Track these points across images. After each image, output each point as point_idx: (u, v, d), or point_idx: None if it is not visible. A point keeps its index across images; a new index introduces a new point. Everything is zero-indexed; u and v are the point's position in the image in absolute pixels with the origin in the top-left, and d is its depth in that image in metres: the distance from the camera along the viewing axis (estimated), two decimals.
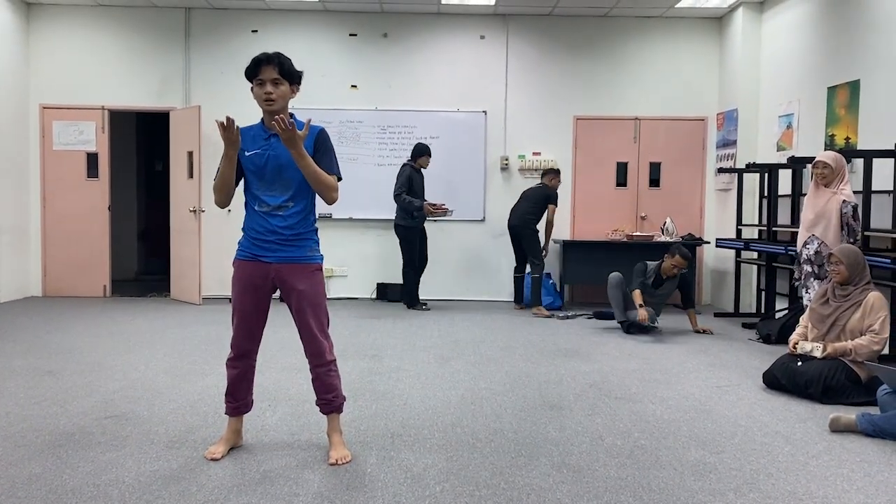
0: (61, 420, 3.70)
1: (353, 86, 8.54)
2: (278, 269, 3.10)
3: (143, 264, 10.68)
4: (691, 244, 7.74)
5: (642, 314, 6.18)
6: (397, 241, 7.81)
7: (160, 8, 8.40)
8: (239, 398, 3.26)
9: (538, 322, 7.10)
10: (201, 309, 7.65)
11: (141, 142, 10.69)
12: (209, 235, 8.13)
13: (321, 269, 3.20)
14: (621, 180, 8.67)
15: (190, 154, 8.04)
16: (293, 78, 3.08)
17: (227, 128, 2.90)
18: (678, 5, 8.05)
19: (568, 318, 7.31)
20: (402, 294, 8.01)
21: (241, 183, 3.18)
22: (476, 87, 8.56)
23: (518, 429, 3.67)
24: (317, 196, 3.13)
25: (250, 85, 3.09)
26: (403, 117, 8.49)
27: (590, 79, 8.59)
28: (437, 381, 4.64)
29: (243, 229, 3.17)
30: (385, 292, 8.45)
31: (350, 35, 8.52)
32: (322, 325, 3.16)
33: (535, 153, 8.58)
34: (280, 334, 5.76)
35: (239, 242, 3.18)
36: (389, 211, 7.76)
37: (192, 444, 3.37)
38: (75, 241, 8.47)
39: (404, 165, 7.75)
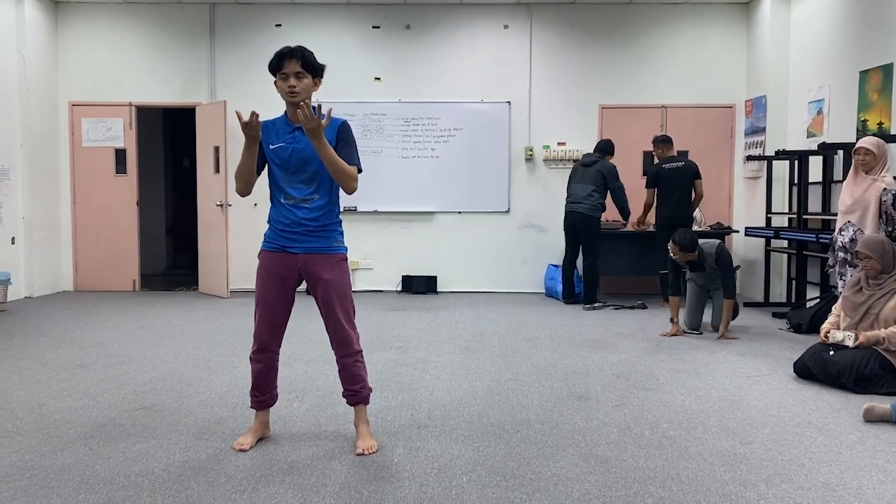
0: (93, 412, 3.76)
1: (376, 78, 8.54)
2: (305, 259, 3.12)
3: (172, 259, 10.82)
4: (720, 233, 7.66)
5: (672, 330, 5.79)
6: (569, 233, 7.57)
7: (185, 4, 8.46)
8: (264, 392, 3.29)
9: (564, 313, 7.05)
10: (229, 302, 7.73)
11: (168, 137, 10.81)
12: (236, 229, 8.20)
13: (346, 260, 3.22)
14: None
15: (216, 149, 8.10)
16: (316, 71, 3.10)
17: (249, 123, 2.92)
18: None
19: (594, 308, 7.26)
20: (584, 290, 7.42)
21: (266, 176, 3.20)
22: (500, 77, 8.51)
23: (545, 419, 3.65)
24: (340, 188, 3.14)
25: (274, 79, 3.11)
26: (427, 109, 8.47)
27: (615, 67, 8.50)
28: (462, 372, 4.64)
29: (269, 221, 3.19)
30: (410, 285, 8.46)
31: (373, 27, 8.52)
32: (349, 314, 3.18)
33: (560, 143, 8.52)
34: (306, 327, 5.82)
35: (265, 234, 3.20)
36: (413, 203, 7.70)
37: (220, 435, 3.40)
38: (105, 236, 8.60)
39: (601, 162, 7.46)
